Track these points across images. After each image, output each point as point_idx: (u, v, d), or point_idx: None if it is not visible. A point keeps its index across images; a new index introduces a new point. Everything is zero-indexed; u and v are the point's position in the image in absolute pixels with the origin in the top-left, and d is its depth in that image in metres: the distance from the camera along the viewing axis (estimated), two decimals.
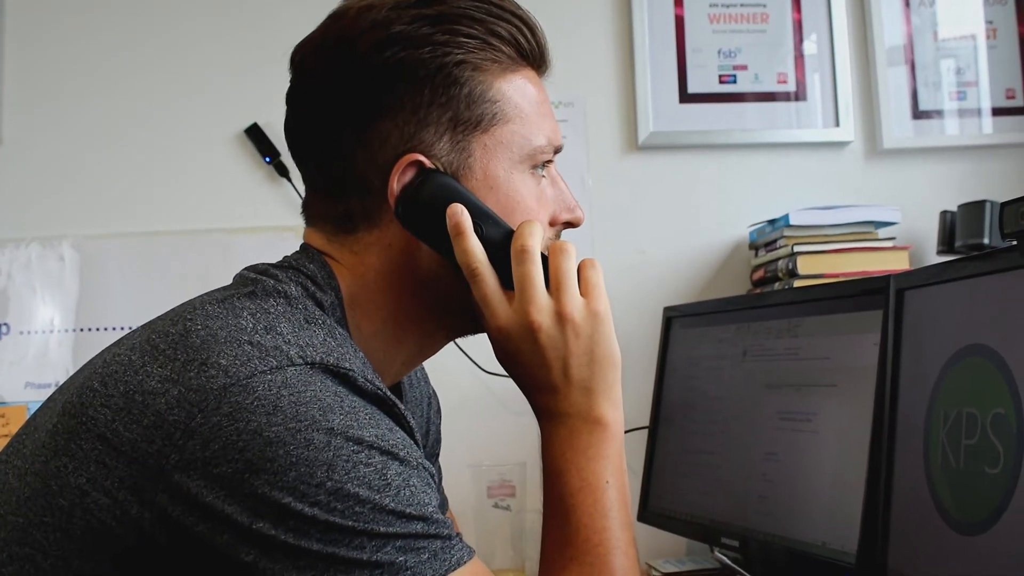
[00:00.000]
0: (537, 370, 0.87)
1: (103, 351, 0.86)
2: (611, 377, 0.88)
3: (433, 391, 1.19)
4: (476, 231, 0.87)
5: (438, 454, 1.20)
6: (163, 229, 1.99)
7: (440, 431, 1.20)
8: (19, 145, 2.00)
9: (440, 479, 1.23)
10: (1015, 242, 0.94)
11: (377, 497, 0.70)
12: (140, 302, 1.96)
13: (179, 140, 2.00)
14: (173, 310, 0.85)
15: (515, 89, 0.90)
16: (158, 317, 0.86)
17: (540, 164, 0.92)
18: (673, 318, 1.76)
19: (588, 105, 2.04)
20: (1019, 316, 0.91)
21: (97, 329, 1.97)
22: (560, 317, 0.86)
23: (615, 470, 0.86)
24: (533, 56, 0.93)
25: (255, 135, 1.97)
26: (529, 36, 0.92)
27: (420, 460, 0.76)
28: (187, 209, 1.99)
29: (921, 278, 1.12)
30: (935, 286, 1.08)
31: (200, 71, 2.01)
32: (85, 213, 1.99)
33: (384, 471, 0.71)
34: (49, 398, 0.86)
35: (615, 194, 2.02)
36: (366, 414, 0.74)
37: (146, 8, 2.03)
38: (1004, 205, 0.94)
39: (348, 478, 0.70)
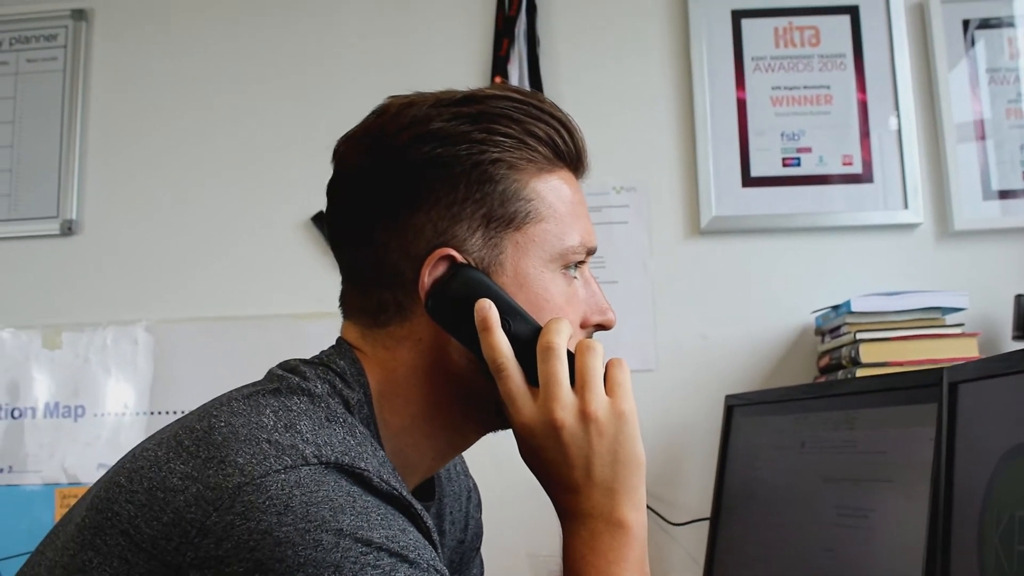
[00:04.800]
0: (559, 468, 0.85)
1: (136, 445, 0.87)
2: (635, 479, 0.85)
3: (474, 484, 1.18)
4: (504, 327, 0.86)
5: (479, 548, 1.19)
6: (233, 314, 2.04)
7: (481, 524, 1.19)
8: (97, 233, 2.09)
9: (482, 572, 1.21)
10: None
11: None
12: (211, 385, 1.95)
13: (248, 227, 2.07)
14: (203, 405, 0.86)
15: (550, 189, 0.91)
16: (191, 412, 0.87)
17: (572, 264, 0.92)
18: (734, 406, 1.72)
19: (650, 190, 2.04)
20: None
21: (169, 412, 2.01)
22: (584, 415, 0.84)
23: (636, 574, 0.84)
24: (570, 157, 0.93)
25: (321, 222, 2.01)
26: (567, 138, 0.92)
27: (432, 562, 0.75)
28: (256, 295, 2.04)
29: (974, 371, 1.07)
30: (988, 380, 1.04)
31: (268, 160, 2.09)
32: (158, 298, 2.06)
33: (392, 573, 0.71)
34: (88, 490, 0.88)
35: (677, 279, 2.01)
36: (378, 515, 0.74)
37: (217, 99, 2.13)
38: None
39: None
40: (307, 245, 2.05)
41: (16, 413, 2.02)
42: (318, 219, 2.02)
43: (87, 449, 2.01)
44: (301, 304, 2.01)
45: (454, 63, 2.10)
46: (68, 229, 2.09)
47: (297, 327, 2.00)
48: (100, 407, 2.03)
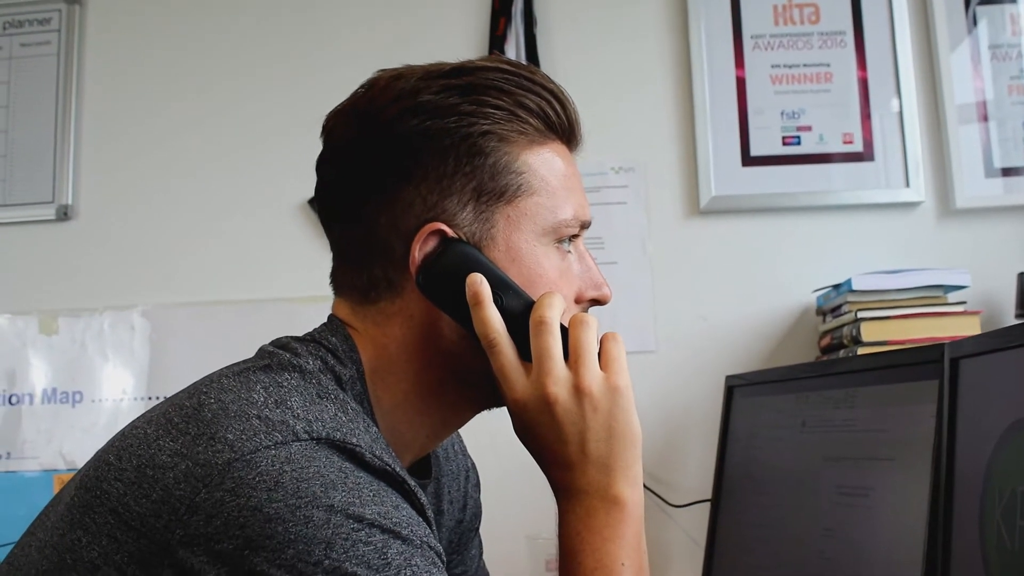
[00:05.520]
0: (554, 444, 0.84)
1: (127, 424, 0.86)
2: (630, 455, 0.84)
3: (472, 464, 1.17)
4: (496, 302, 0.85)
5: (477, 528, 1.18)
6: (230, 298, 2.03)
7: (479, 504, 1.18)
8: (93, 219, 2.08)
9: (480, 552, 1.21)
10: None
11: None
12: (208, 370, 1.94)
13: (245, 211, 2.06)
14: (194, 383, 0.86)
15: (542, 161, 0.89)
16: (181, 390, 0.86)
17: (565, 238, 0.90)
18: (735, 387, 1.71)
19: (649, 170, 2.02)
20: None
21: (166, 396, 2.00)
22: (578, 390, 0.83)
23: (632, 551, 0.82)
24: (562, 130, 0.92)
25: None
26: (559, 109, 0.91)
27: (425, 539, 0.74)
28: (253, 279, 2.03)
29: (975, 347, 1.06)
30: (990, 355, 1.03)
31: (264, 143, 2.07)
32: (155, 283, 2.05)
33: (384, 550, 0.70)
34: (78, 470, 0.87)
35: (676, 259, 1.99)
36: (370, 491, 0.73)
37: (212, 83, 2.11)
38: None
39: (346, 556, 0.68)
40: (304, 228, 2.03)
41: (13, 399, 2.01)
42: (314, 202, 2.00)
43: (85, 435, 2.00)
44: (298, 288, 1.99)
45: (451, 43, 2.08)
46: (64, 214, 2.08)
47: (294, 311, 1.99)
48: (97, 393, 2.02)
